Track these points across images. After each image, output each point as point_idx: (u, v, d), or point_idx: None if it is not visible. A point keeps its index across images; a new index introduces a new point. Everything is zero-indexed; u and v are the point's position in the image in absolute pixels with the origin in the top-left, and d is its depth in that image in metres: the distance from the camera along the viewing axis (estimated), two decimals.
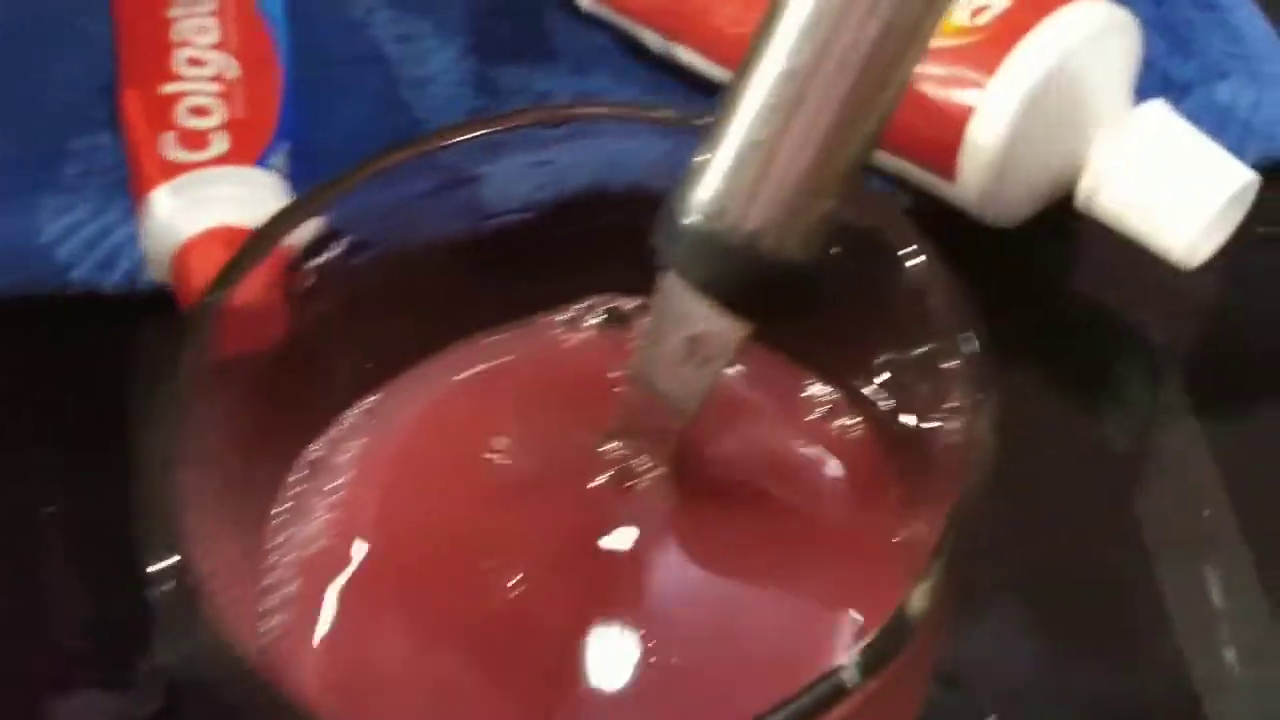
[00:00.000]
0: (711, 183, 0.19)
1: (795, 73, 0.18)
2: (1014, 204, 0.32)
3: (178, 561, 0.18)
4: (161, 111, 0.33)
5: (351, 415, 0.22)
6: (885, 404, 0.21)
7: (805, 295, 0.19)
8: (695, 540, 0.20)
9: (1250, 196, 0.31)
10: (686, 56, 0.35)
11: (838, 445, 0.22)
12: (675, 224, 0.19)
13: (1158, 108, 0.31)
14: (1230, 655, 0.27)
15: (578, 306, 0.23)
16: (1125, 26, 0.31)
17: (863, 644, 0.17)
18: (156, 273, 0.32)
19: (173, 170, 0.32)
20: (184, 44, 0.34)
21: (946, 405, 0.20)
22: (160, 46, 0.34)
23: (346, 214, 0.21)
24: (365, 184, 0.22)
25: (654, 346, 0.20)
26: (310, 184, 0.22)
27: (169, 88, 0.33)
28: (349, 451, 0.22)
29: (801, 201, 0.19)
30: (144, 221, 0.31)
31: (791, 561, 0.20)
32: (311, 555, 0.21)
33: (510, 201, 0.22)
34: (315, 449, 0.21)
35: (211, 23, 0.35)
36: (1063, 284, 0.33)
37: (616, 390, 0.21)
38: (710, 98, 0.29)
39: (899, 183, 0.32)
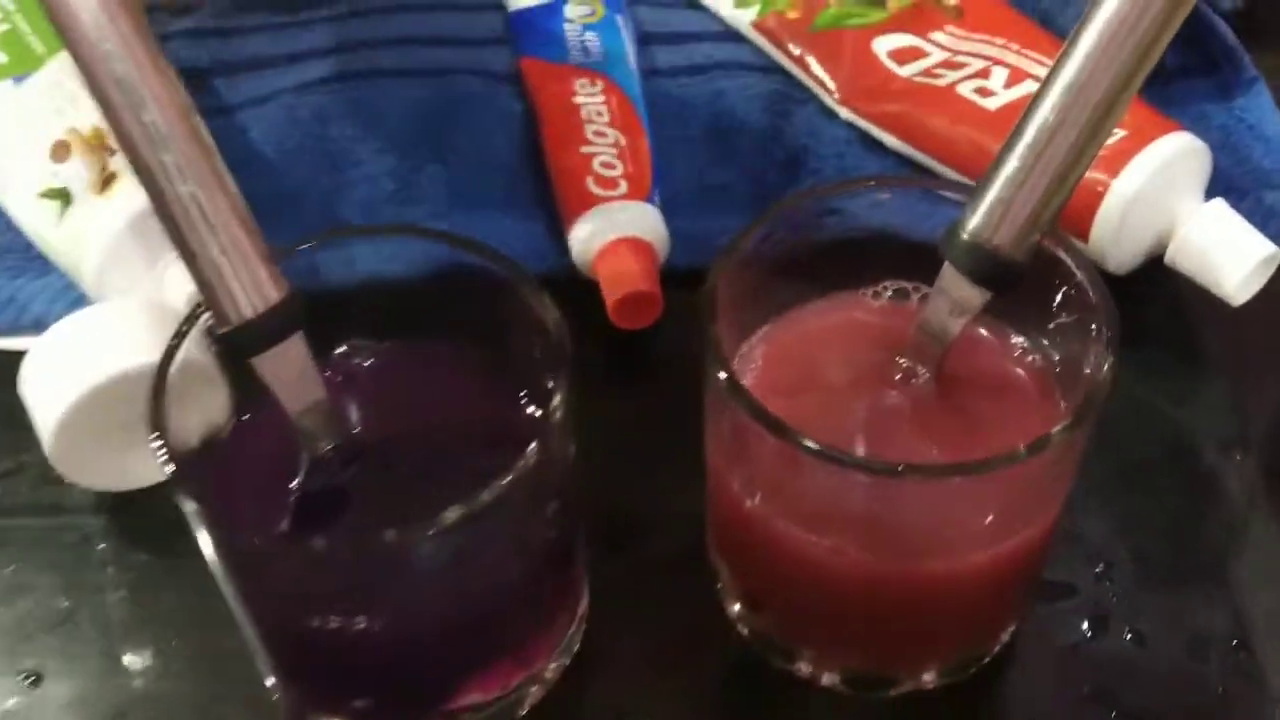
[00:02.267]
0: (976, 214, 0.36)
1: (1027, 162, 0.36)
2: (1126, 259, 0.49)
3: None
4: (582, 165, 0.51)
5: (759, 333, 0.40)
6: (1053, 348, 0.39)
7: (1019, 278, 0.37)
8: (947, 408, 0.38)
9: (1275, 263, 0.48)
10: (920, 158, 0.53)
11: (1025, 369, 0.39)
12: (955, 236, 0.37)
13: (1218, 203, 0.48)
14: None
15: (878, 286, 0.41)
16: (1199, 151, 0.49)
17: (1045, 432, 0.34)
18: (581, 269, 0.50)
19: (593, 202, 0.50)
20: (589, 122, 0.53)
21: (1089, 353, 0.37)
22: (575, 124, 0.53)
23: (775, 221, 0.39)
24: (778, 217, 0.39)
25: (933, 305, 0.38)
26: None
27: (584, 149, 0.52)
28: (758, 350, 0.40)
29: (1024, 233, 0.36)
30: (573, 235, 0.50)
31: (999, 421, 0.38)
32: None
33: (848, 229, 0.40)
34: (743, 349, 0.40)
35: (604, 108, 0.53)
36: (1155, 310, 0.50)
37: (906, 331, 0.39)
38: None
39: None
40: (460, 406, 0.40)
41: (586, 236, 0.49)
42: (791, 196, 0.40)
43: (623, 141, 0.52)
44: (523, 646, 0.40)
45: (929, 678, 0.41)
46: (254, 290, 0.35)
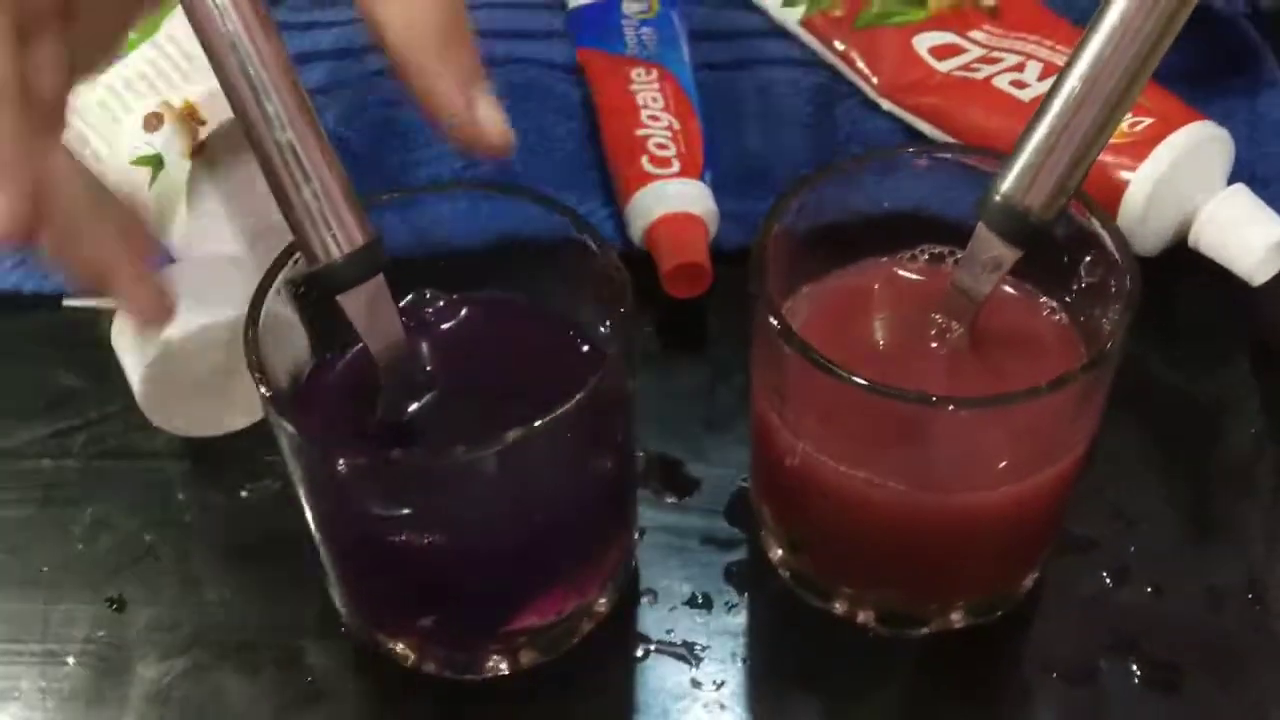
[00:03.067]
0: (1009, 178, 0.39)
1: (1055, 129, 0.39)
2: (1151, 242, 0.52)
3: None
4: (638, 146, 0.55)
5: (802, 292, 0.43)
6: (1077, 308, 0.42)
7: (1046, 237, 0.40)
8: (978, 360, 0.41)
9: None
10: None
11: (1051, 327, 0.42)
12: (989, 198, 0.40)
13: (1239, 188, 0.51)
14: None
15: (914, 250, 0.44)
16: (1222, 139, 0.52)
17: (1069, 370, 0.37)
18: (636, 241, 0.53)
19: (648, 179, 0.53)
20: (644, 107, 0.56)
21: (1110, 310, 0.40)
22: (631, 108, 0.56)
23: (821, 185, 0.42)
24: (823, 181, 0.42)
25: (967, 264, 0.41)
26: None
27: (640, 132, 0.55)
28: (801, 306, 0.43)
29: (1054, 195, 0.39)
30: (629, 210, 0.53)
31: (1025, 372, 0.40)
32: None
33: (888, 195, 0.43)
34: (786, 305, 0.42)
35: (658, 95, 0.57)
36: (1179, 290, 0.53)
37: (940, 290, 0.42)
38: None
39: None
40: (527, 349, 0.43)
41: (642, 211, 0.52)
42: (834, 164, 0.43)
43: (676, 125, 0.55)
44: (577, 574, 0.42)
45: (957, 618, 0.44)
46: (342, 232, 0.38)
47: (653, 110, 0.56)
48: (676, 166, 0.53)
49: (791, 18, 0.61)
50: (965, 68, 0.57)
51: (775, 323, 0.38)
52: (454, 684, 0.44)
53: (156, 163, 0.51)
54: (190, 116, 0.52)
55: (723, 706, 0.43)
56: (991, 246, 0.40)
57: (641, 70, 0.58)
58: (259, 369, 0.38)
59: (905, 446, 0.39)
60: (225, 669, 0.44)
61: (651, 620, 0.45)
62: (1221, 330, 0.53)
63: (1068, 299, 0.42)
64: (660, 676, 0.44)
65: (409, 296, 0.43)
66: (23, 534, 0.48)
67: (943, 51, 0.58)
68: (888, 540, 0.41)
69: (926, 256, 0.44)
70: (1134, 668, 0.43)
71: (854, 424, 0.39)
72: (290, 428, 0.37)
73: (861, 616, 0.44)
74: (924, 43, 0.59)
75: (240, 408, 0.49)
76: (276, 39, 0.37)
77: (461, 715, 0.44)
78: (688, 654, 0.44)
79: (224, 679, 0.44)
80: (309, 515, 0.41)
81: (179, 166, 0.51)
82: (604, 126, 0.56)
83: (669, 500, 0.48)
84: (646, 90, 0.57)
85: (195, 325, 0.46)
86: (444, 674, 0.44)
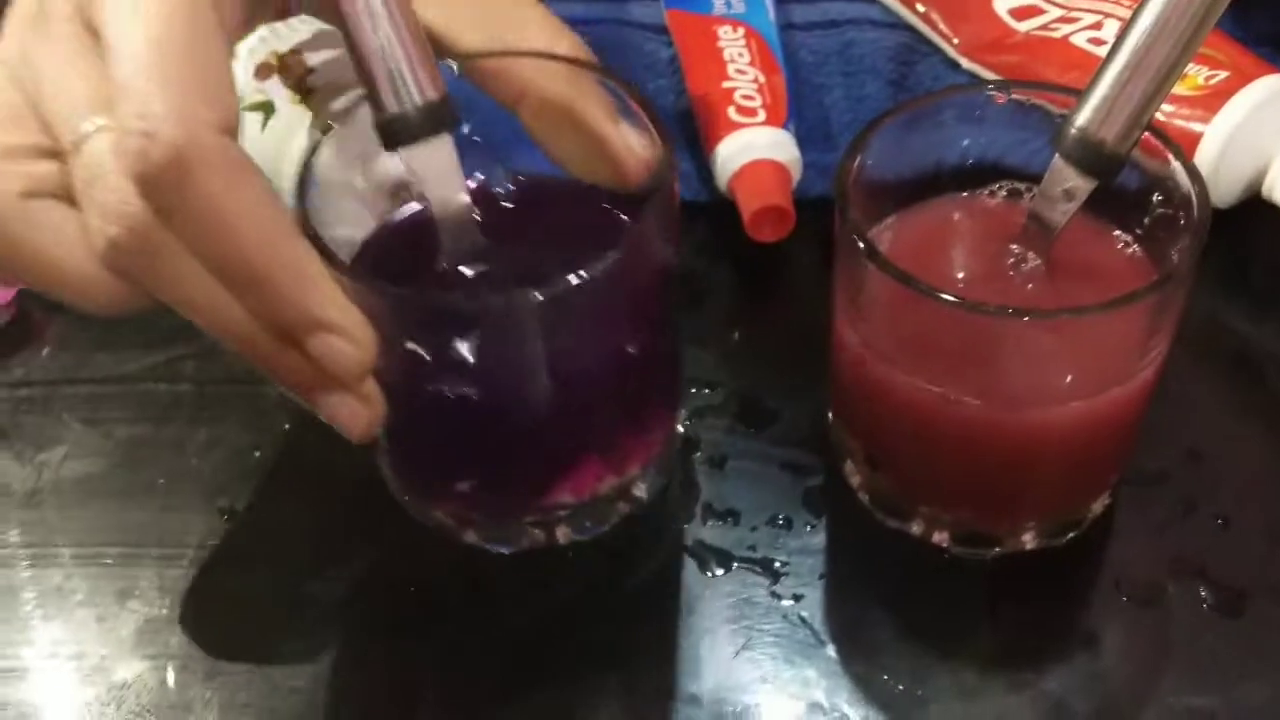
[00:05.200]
0: (1084, 111, 0.41)
1: (1130, 64, 0.40)
2: (1224, 193, 0.54)
3: None
4: (724, 97, 0.57)
5: (884, 223, 0.45)
6: (1150, 238, 0.43)
7: (1120, 168, 0.41)
8: (1053, 287, 0.43)
9: None
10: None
11: (1124, 259, 0.44)
12: (1065, 131, 0.41)
13: None
14: None
15: (993, 187, 0.46)
16: None
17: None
18: (722, 188, 0.55)
19: (734, 127, 0.56)
20: (731, 62, 0.58)
21: (1178, 242, 0.42)
22: (718, 62, 0.58)
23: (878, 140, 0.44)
24: (905, 113, 0.44)
25: (1043, 196, 0.42)
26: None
27: (726, 84, 0.57)
28: (884, 237, 0.45)
29: (1128, 128, 0.41)
30: (715, 157, 0.55)
31: (1101, 297, 0.42)
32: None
33: (972, 134, 0.45)
34: (874, 230, 0.44)
35: (744, 50, 0.59)
36: (1252, 237, 0.54)
37: (1018, 223, 0.44)
38: None
39: None
40: (580, 224, 0.44)
41: (727, 157, 0.54)
42: (916, 98, 0.45)
43: (761, 79, 0.57)
44: (614, 447, 0.45)
45: (1028, 539, 0.45)
46: (414, 82, 0.39)
47: (739, 65, 0.58)
48: (762, 116, 0.55)
49: None
50: (1044, 28, 0.59)
51: (859, 241, 0.40)
52: (492, 555, 0.46)
53: (268, 108, 0.54)
54: (298, 65, 0.54)
55: (802, 619, 0.45)
56: (1067, 178, 0.42)
57: (728, 28, 0.60)
58: (308, 223, 0.39)
59: (982, 362, 0.40)
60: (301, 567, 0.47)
61: (732, 539, 0.47)
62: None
63: (1139, 232, 0.44)
64: (741, 589, 0.46)
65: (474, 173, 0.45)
66: (141, 450, 0.51)
67: (1022, 13, 0.60)
68: (963, 456, 0.43)
69: (1005, 192, 0.46)
70: (1202, 592, 0.45)
71: (932, 341, 0.41)
72: (347, 280, 0.38)
73: (937, 536, 0.46)
74: (1004, 4, 0.60)
75: None
76: None
77: (495, 584, 0.46)
78: (765, 570, 0.46)
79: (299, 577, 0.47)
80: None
81: (287, 112, 0.54)
82: (690, 79, 0.58)
83: (749, 430, 0.50)
84: (733, 46, 0.59)
85: None
86: (483, 545, 0.46)
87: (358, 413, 0.39)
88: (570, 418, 0.43)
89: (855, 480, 0.47)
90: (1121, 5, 0.58)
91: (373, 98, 0.40)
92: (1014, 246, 0.44)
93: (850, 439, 0.46)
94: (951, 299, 0.38)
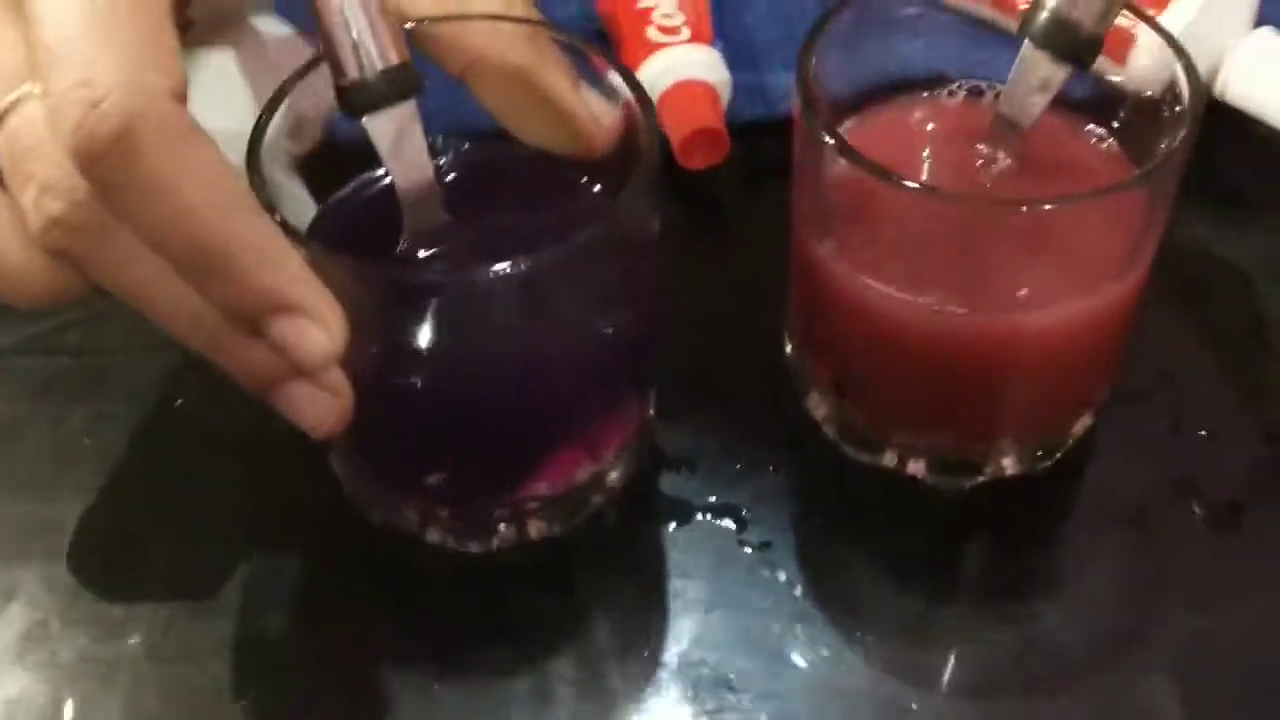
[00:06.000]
0: None
1: None
2: None
3: None
4: (641, 16, 0.53)
5: (844, 127, 0.41)
6: (1128, 130, 0.40)
7: (1099, 50, 0.38)
8: (1028, 186, 0.39)
9: None
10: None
11: (1099, 154, 0.41)
12: (1035, 15, 0.38)
13: (1265, 31, 0.50)
14: None
15: (953, 86, 0.42)
16: None
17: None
18: None
19: (655, 48, 0.51)
20: None
21: (1165, 128, 0.39)
22: None
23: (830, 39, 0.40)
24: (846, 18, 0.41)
25: (1013, 88, 0.39)
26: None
27: (643, 4, 0.53)
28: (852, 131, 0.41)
29: (1105, 6, 0.37)
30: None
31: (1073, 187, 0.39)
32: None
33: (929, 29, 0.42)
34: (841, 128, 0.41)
35: None
36: (1206, 146, 0.52)
37: (984, 123, 0.40)
38: None
39: None
40: (549, 194, 0.41)
41: (651, 79, 0.50)
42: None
43: None
44: (588, 433, 0.40)
45: (1009, 463, 0.42)
46: (376, 47, 0.36)
47: None
48: (686, 34, 0.51)
49: None
50: None
51: (829, 139, 0.36)
52: (459, 556, 0.42)
53: None
54: None
55: (773, 566, 0.41)
56: (1040, 66, 0.38)
57: None
58: (264, 195, 0.36)
59: (966, 262, 0.37)
60: (232, 546, 0.42)
61: (691, 489, 0.43)
62: (1253, 188, 0.52)
63: (1115, 125, 0.41)
64: (705, 538, 0.42)
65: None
66: (19, 430, 0.45)
67: None
68: (941, 371, 0.39)
69: (965, 92, 0.42)
70: (1195, 508, 0.42)
71: (906, 242, 0.37)
72: (308, 252, 0.34)
73: (911, 467, 0.42)
74: None
75: None
76: None
77: (467, 588, 0.41)
78: (732, 517, 0.42)
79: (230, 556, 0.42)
80: None
81: None
82: (604, 5, 0.54)
83: (700, 373, 0.46)
84: None
85: None
86: (449, 544, 0.42)
87: (325, 405, 0.35)
88: (542, 402, 0.39)
89: (820, 412, 0.43)
90: None
91: (333, 62, 0.36)
92: (982, 147, 0.40)
93: (815, 367, 0.43)
94: (940, 191, 0.35)
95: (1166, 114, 0.39)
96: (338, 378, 0.35)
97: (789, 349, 0.44)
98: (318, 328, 0.33)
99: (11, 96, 0.33)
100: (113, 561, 0.42)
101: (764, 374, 0.45)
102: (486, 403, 0.38)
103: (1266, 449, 0.43)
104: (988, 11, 0.44)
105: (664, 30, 0.51)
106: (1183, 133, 0.37)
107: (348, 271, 0.35)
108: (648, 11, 0.52)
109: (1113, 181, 0.39)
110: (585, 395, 0.40)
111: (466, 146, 0.41)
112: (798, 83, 0.38)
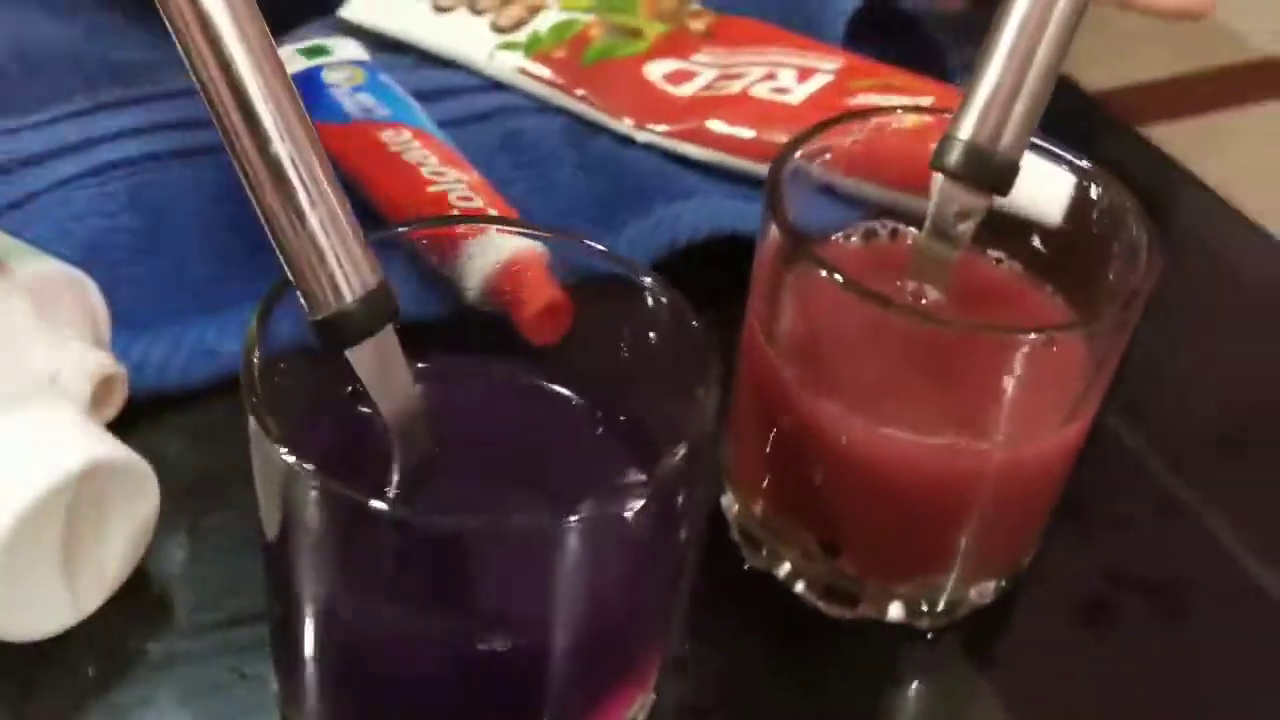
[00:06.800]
0: (968, 122, 0.38)
1: (1009, 69, 0.38)
2: None
3: None
4: (438, 200, 0.49)
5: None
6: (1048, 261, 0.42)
7: (1015, 177, 0.39)
8: (972, 315, 0.40)
9: None
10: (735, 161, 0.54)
11: (1012, 275, 0.42)
12: (948, 147, 0.39)
13: None
14: None
15: (847, 230, 0.42)
16: None
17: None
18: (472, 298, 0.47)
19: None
20: (420, 164, 0.50)
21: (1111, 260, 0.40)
22: (405, 167, 0.50)
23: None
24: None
25: (932, 224, 0.39)
26: None
27: (433, 189, 0.49)
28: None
29: (1020, 131, 0.38)
30: (459, 266, 0.47)
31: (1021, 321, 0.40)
32: None
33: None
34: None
35: (426, 153, 0.51)
36: None
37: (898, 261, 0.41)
38: None
39: None
40: (554, 421, 0.37)
41: (478, 258, 0.47)
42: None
43: (464, 177, 0.50)
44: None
45: (975, 594, 0.42)
46: (354, 271, 0.31)
47: (432, 167, 0.50)
48: (493, 213, 0.49)
49: (508, 65, 0.58)
50: (708, 88, 0.56)
51: (821, 269, 0.36)
52: None
53: None
54: None
55: None
56: (958, 198, 0.39)
57: (392, 132, 0.52)
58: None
59: (969, 395, 0.37)
60: None
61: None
62: None
63: (1033, 249, 0.42)
64: None
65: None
66: None
67: (676, 78, 0.57)
68: (941, 508, 0.39)
69: (860, 235, 0.43)
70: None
71: (884, 366, 0.37)
72: (316, 481, 0.30)
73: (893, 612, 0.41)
74: (655, 71, 0.57)
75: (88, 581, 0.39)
76: (264, 27, 0.30)
77: None
78: None
79: None
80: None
81: None
82: (380, 193, 0.50)
83: None
84: (412, 150, 0.51)
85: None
86: None
87: None
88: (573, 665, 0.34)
89: (784, 570, 0.41)
90: (787, 54, 0.57)
91: (305, 292, 0.32)
92: (907, 284, 0.40)
93: (791, 534, 0.41)
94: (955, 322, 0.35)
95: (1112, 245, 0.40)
96: None
97: (747, 522, 0.42)
98: None
99: None
100: None
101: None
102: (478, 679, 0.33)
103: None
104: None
105: (470, 214, 0.48)
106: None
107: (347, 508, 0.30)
108: (443, 196, 0.49)
109: (1039, 305, 0.41)
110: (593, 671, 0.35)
111: (441, 367, 0.37)
112: (773, 220, 0.37)
